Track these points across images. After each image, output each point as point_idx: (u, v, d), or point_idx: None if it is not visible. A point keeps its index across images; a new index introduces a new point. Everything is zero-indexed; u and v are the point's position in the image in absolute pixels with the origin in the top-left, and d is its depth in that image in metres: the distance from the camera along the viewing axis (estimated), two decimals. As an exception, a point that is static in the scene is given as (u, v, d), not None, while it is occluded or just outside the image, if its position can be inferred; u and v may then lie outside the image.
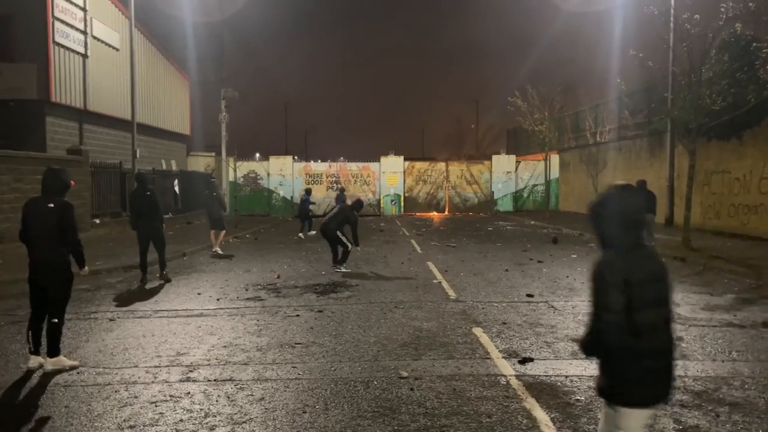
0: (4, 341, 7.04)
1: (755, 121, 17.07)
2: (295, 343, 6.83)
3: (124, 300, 9.54)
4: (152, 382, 5.58)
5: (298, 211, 21.73)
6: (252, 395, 5.21)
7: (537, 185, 33.89)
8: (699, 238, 16.32)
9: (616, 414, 2.88)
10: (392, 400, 5.04)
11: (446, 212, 33.55)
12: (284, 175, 33.05)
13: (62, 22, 20.77)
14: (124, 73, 23.72)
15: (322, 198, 31.62)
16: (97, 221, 19.24)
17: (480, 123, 67.19)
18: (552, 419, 4.62)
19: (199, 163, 34.39)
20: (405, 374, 5.68)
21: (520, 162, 34.26)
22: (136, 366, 6.07)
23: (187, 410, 4.88)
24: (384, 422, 4.59)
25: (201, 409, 4.89)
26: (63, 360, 6.02)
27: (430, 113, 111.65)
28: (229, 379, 5.62)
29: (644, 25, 22.50)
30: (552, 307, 8.71)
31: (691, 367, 5.90)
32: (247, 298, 9.54)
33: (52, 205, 5.99)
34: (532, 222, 25.68)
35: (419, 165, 34.55)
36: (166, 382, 5.58)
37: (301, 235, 19.87)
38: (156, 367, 6.03)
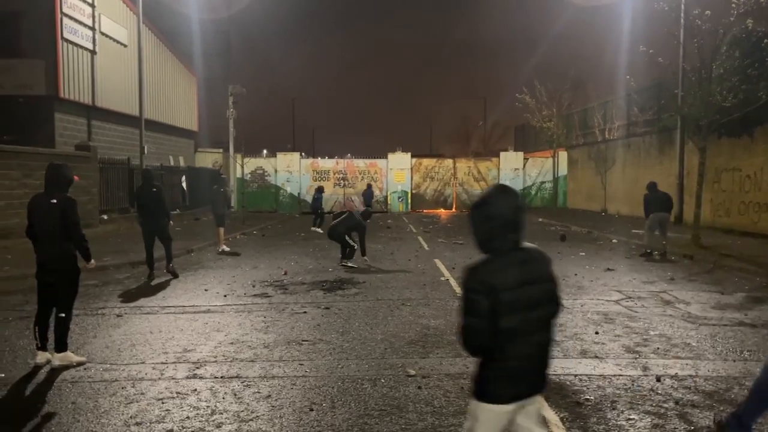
0: (12, 336, 7.06)
1: (766, 118, 16.90)
2: (302, 340, 6.80)
3: (132, 296, 9.55)
4: (159, 378, 5.57)
5: (311, 207, 22.43)
6: (259, 392, 5.18)
7: (545, 182, 33.76)
8: (709, 235, 16.18)
9: (475, 407, 2.88)
10: (399, 399, 5.00)
11: (453, 209, 33.47)
12: (291, 171, 33.06)
13: (71, 18, 20.83)
14: (132, 69, 23.76)
15: (329, 195, 31.58)
16: (105, 217, 19.30)
17: (487, 120, 66.95)
18: (561, 419, 4.57)
19: (207, 159, 34.46)
20: (412, 372, 5.64)
21: (527, 159, 34.14)
22: (143, 362, 6.06)
23: (194, 407, 4.86)
24: (391, 421, 4.55)
25: (207, 406, 4.87)
26: (70, 356, 6.02)
27: (437, 110, 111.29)
28: (236, 376, 5.60)
29: (654, 22, 22.33)
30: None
31: (702, 366, 5.83)
32: (254, 295, 9.53)
33: (55, 201, 5.99)
34: (540, 219, 25.56)
35: (426, 162, 34.49)
36: (173, 378, 5.57)
37: (317, 229, 20.44)
38: (163, 363, 6.02)
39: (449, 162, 34.42)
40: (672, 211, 13.92)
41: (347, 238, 12.37)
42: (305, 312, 8.26)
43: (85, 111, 22.30)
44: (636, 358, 6.07)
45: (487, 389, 2.83)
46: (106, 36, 23.59)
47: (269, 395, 5.12)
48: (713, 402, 4.92)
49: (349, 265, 12.25)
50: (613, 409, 4.77)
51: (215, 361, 6.06)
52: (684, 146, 20.78)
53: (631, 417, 4.61)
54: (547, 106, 28.63)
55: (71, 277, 6.11)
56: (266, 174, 33.16)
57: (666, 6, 15.33)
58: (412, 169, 33.58)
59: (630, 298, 9.14)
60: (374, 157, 34.05)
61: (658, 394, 5.11)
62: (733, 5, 13.94)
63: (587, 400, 4.98)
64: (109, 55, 23.83)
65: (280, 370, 5.79)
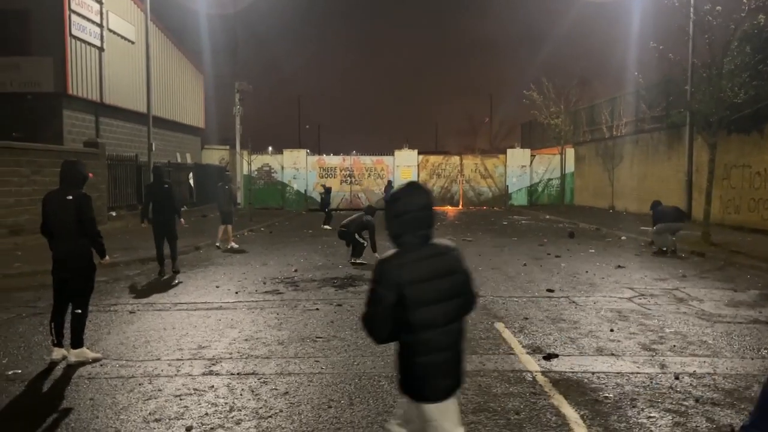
0: (26, 333, 7.08)
1: (777, 115, 16.79)
2: (316, 337, 6.79)
3: (143, 292, 9.56)
4: (175, 375, 5.57)
5: (320, 205, 22.89)
6: (276, 389, 5.18)
7: (552, 179, 33.63)
8: (718, 232, 16.09)
9: (426, 410, 2.92)
10: (418, 396, 4.98)
11: (460, 206, 33.40)
12: (298, 168, 33.01)
13: (79, 15, 20.86)
14: (139, 66, 23.77)
15: (336, 192, 31.50)
16: (114, 214, 19.35)
17: (494, 117, 66.84)
18: (582, 417, 4.54)
19: (214, 156, 34.49)
20: (429, 369, 5.62)
21: (534, 156, 34.01)
22: (159, 359, 6.07)
23: (212, 404, 4.86)
24: (411, 418, 4.53)
25: (226, 403, 4.87)
26: (86, 352, 6.03)
27: (443, 107, 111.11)
28: (252, 373, 5.60)
29: (663, 17, 22.23)
30: (573, 302, 8.61)
31: (720, 364, 5.79)
32: (266, 292, 9.52)
33: (70, 198, 5.98)
34: (548, 216, 25.50)
35: (433, 159, 34.38)
36: (189, 375, 5.57)
37: (326, 227, 20.46)
38: (178, 360, 6.02)
39: (456, 159, 34.32)
40: (683, 221, 13.80)
41: (357, 236, 12.38)
42: (317, 309, 8.25)
43: (93, 108, 22.33)
44: (653, 356, 6.04)
45: (421, 387, 2.90)
46: (114, 33, 23.62)
47: (287, 392, 5.11)
48: (734, 400, 4.89)
49: (359, 262, 12.25)
50: (633, 407, 4.75)
51: (230, 358, 6.06)
52: (693, 142, 20.66)
53: (652, 415, 4.59)
54: (554, 103, 28.51)
55: (87, 274, 6.12)
56: (273, 171, 33.13)
57: (676, 1, 15.23)
58: (419, 166, 33.49)
59: (643, 295, 9.09)
60: (381, 154, 34.00)
61: (677, 392, 5.08)
62: (745, 0, 13.83)
63: (606, 397, 4.95)
64: (117, 51, 23.86)
65: (296, 366, 5.78)
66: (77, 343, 5.99)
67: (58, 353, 5.98)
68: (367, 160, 33.73)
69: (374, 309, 2.84)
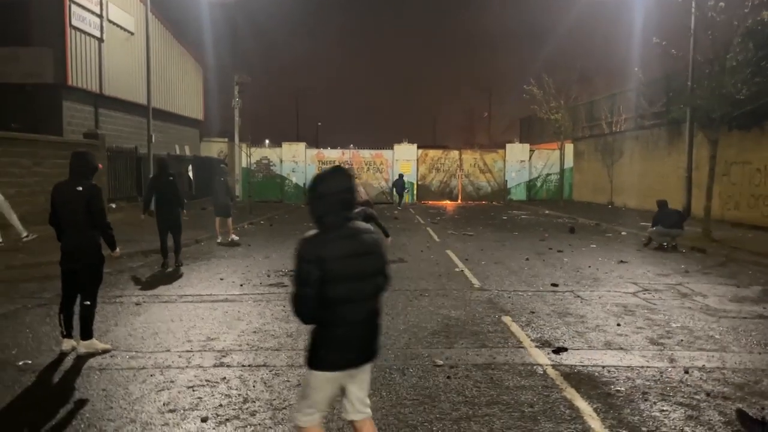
0: (33, 324, 7.06)
1: (778, 111, 16.81)
2: (325, 330, 6.80)
3: (148, 284, 9.55)
4: (186, 366, 5.58)
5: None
6: (288, 381, 5.19)
7: (550, 174, 33.66)
8: (718, 229, 16.14)
9: (308, 375, 3.17)
10: (430, 388, 5.00)
11: (459, 201, 33.43)
12: (297, 161, 32.97)
13: (78, 5, 20.71)
14: (139, 57, 23.64)
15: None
16: (113, 206, 19.27)
17: (493, 112, 66.83)
18: (595, 410, 4.57)
19: (212, 149, 34.38)
20: (440, 362, 5.64)
21: (533, 151, 34.02)
22: (168, 350, 6.07)
23: (226, 395, 4.86)
24: (425, 410, 4.56)
25: (239, 394, 4.88)
26: (96, 343, 6.02)
27: (442, 102, 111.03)
28: (264, 365, 5.60)
29: (665, 13, 22.24)
30: (578, 296, 8.64)
31: (728, 359, 5.83)
32: (270, 284, 9.52)
33: (80, 189, 5.94)
34: (547, 211, 25.53)
35: (432, 153, 34.37)
36: (200, 366, 5.57)
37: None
38: (188, 351, 6.02)
39: (455, 153, 34.31)
40: (683, 225, 13.84)
41: None
42: (324, 302, 8.25)
43: (93, 99, 22.20)
44: (661, 350, 6.07)
45: (318, 356, 3.11)
46: (114, 24, 23.46)
47: (299, 384, 5.11)
48: (744, 394, 4.92)
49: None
50: (645, 400, 4.78)
51: (240, 350, 6.06)
52: (693, 139, 20.68)
53: (665, 408, 4.62)
54: (554, 98, 28.51)
55: (96, 266, 6.09)
56: (271, 164, 33.08)
57: (679, -3, 15.23)
58: (418, 160, 33.49)
59: (647, 290, 9.13)
60: (380, 148, 33.97)
61: (687, 385, 5.11)
62: (749, -4, 13.83)
63: (618, 391, 4.97)
64: (116, 43, 23.71)
65: (307, 359, 5.78)
66: (86, 334, 5.98)
67: (67, 344, 5.97)
68: (366, 154, 33.71)
69: (301, 287, 3.00)
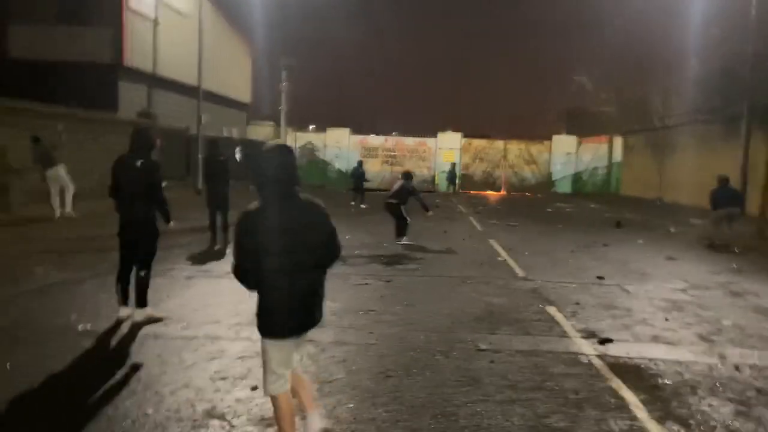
0: (91, 291, 7.38)
1: None
2: (369, 310, 6.90)
3: (197, 260, 9.83)
4: (236, 338, 5.75)
5: (355, 184, 22.22)
6: (334, 357, 5.30)
7: (597, 168, 33.00)
8: (774, 229, 15.58)
9: (263, 343, 3.38)
10: (474, 371, 5.04)
11: (502, 192, 33.12)
12: (340, 147, 33.18)
13: (136, -13, 21.26)
14: (191, 39, 24.13)
15: (376, 173, 31.40)
16: (165, 183, 19.82)
17: (540, 103, 65.75)
18: (641, 401, 4.53)
19: (259, 132, 34.87)
20: (484, 347, 5.67)
21: (581, 143, 33.39)
22: (218, 322, 6.26)
23: (274, 367, 5.00)
24: (469, 392, 4.60)
25: (287, 367, 5.00)
26: (151, 312, 6.26)
27: (490, 90, 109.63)
28: (309, 340, 5.70)
29: (724, 1, 21.39)
30: (625, 290, 8.51)
31: (781, 358, 5.68)
32: (315, 265, 9.65)
33: (140, 163, 6.17)
34: (593, 205, 25.09)
35: (477, 142, 34.11)
36: (249, 339, 5.72)
37: (361, 204, 20.40)
38: (237, 324, 6.20)
39: (500, 143, 33.96)
40: (743, 207, 13.38)
41: (403, 210, 12.35)
42: (367, 284, 8.36)
43: (146, 79, 22.82)
44: (711, 346, 5.95)
45: (262, 322, 3.31)
46: (168, 6, 24.00)
47: (344, 359, 5.23)
48: (798, 394, 4.80)
49: (405, 242, 12.28)
50: (694, 394, 4.71)
51: (287, 325, 6.20)
52: (750, 135, 19.96)
53: (713, 403, 4.55)
54: (605, 90, 27.88)
55: (153, 237, 6.34)
56: (315, 149, 33.38)
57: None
58: (461, 149, 33.28)
59: (696, 287, 8.92)
60: (424, 136, 33.87)
61: (738, 382, 5.01)
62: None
63: (665, 384, 4.92)
64: (170, 24, 24.25)
65: (351, 337, 5.90)
66: (142, 303, 6.22)
67: (124, 311, 6.23)
68: (410, 141, 33.69)
69: (241, 257, 3.22)
